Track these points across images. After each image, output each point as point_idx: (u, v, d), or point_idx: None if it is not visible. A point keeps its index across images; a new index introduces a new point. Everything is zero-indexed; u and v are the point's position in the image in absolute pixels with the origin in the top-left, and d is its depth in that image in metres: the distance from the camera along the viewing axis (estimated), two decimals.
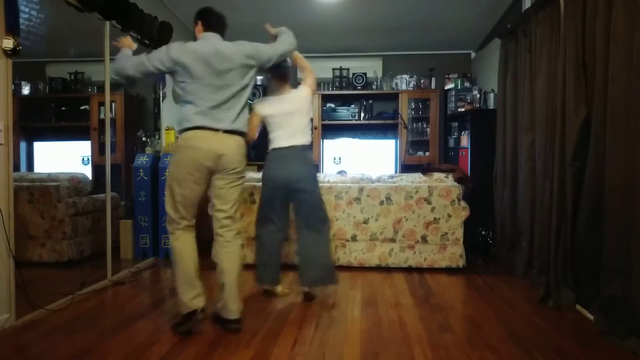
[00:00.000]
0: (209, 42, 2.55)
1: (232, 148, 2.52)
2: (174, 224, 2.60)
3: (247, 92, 2.60)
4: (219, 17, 2.66)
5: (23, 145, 3.89)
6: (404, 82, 6.07)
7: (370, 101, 6.17)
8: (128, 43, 2.72)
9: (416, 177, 3.97)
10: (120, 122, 4.21)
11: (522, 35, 3.73)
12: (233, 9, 4.90)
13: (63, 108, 4.23)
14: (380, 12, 4.90)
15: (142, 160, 4.17)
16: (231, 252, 2.65)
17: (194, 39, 2.66)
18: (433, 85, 6.06)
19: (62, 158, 4.25)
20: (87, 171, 4.09)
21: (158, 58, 2.49)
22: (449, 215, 3.81)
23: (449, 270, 3.82)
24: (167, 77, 4.66)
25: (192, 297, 2.51)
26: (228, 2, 4.74)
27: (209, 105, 2.48)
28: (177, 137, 2.60)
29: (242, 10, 4.95)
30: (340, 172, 4.26)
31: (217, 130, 2.47)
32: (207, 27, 2.61)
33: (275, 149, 3.02)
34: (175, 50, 2.48)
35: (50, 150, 4.20)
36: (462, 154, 5.04)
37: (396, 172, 5.92)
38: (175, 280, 2.56)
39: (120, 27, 3.62)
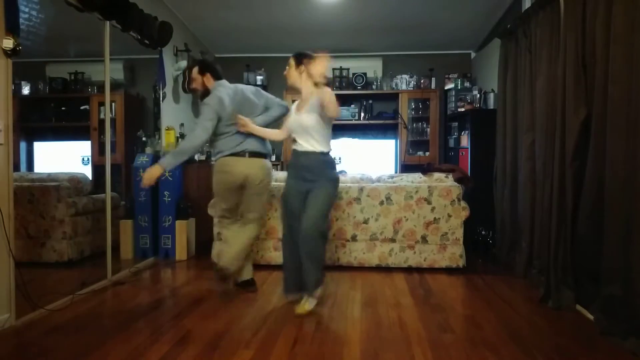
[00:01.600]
0: (229, 88, 3.18)
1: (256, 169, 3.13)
2: (223, 219, 3.33)
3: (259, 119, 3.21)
4: (218, 66, 3.33)
5: (23, 145, 3.88)
6: (404, 82, 6.07)
7: (370, 101, 6.17)
8: None
9: (416, 177, 3.97)
10: (120, 122, 4.20)
11: (522, 35, 3.73)
12: (234, 9, 4.91)
13: (63, 108, 4.22)
14: (380, 12, 4.91)
15: (142, 160, 4.17)
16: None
17: (203, 88, 3.21)
18: (433, 85, 6.06)
19: (62, 158, 4.24)
20: (87, 171, 4.09)
21: (208, 119, 3.02)
22: (449, 215, 3.81)
23: (449, 270, 3.82)
24: (167, 77, 4.69)
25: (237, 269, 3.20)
26: (229, 3, 4.75)
27: (240, 138, 3.10)
28: (214, 162, 3.26)
29: (242, 11, 4.95)
30: (340, 172, 4.26)
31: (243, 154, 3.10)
32: (217, 77, 3.22)
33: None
34: (217, 105, 3.04)
35: (50, 150, 4.20)
36: (462, 154, 5.04)
37: (396, 172, 5.92)
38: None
39: (120, 27, 3.62)
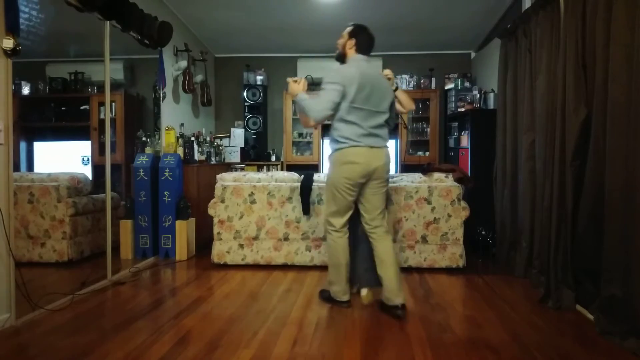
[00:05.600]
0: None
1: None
2: (332, 225, 2.91)
3: None
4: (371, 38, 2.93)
5: (23, 145, 3.88)
6: (404, 82, 6.08)
7: None
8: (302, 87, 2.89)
9: (416, 177, 3.97)
10: (120, 122, 4.20)
11: (522, 35, 3.73)
12: (234, 9, 4.91)
13: (63, 108, 4.22)
14: (381, 12, 4.91)
15: (142, 160, 4.18)
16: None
17: (343, 53, 2.92)
18: (433, 85, 6.06)
19: (62, 158, 4.24)
20: (87, 171, 4.08)
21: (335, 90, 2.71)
22: (449, 215, 3.81)
23: (449, 270, 3.82)
24: (167, 77, 4.69)
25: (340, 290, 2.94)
26: (229, 3, 4.75)
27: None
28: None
29: (242, 11, 4.95)
30: None
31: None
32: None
33: None
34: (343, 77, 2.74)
35: (50, 150, 4.19)
36: (462, 154, 5.04)
37: (396, 172, 5.92)
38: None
39: (120, 27, 3.63)
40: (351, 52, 2.88)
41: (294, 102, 2.93)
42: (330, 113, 2.73)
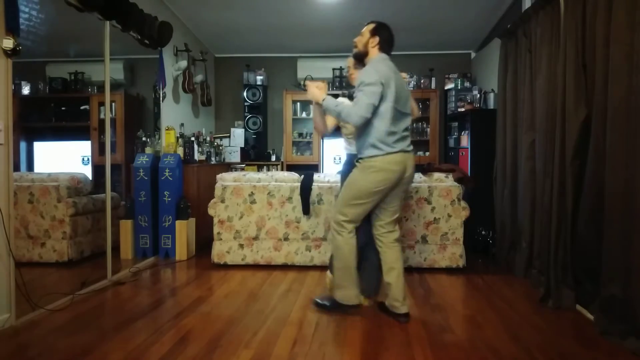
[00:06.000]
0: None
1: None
2: (345, 228, 2.78)
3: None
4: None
5: (23, 145, 3.88)
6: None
7: None
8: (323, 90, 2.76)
9: (416, 177, 3.96)
10: (120, 122, 4.20)
11: (522, 35, 3.73)
12: (234, 9, 4.91)
13: (63, 108, 4.22)
14: (380, 12, 4.89)
15: (142, 160, 4.18)
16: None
17: (364, 52, 2.77)
18: (433, 85, 6.06)
19: (62, 158, 4.24)
20: (87, 171, 4.08)
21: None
22: (449, 215, 3.81)
23: (449, 270, 3.82)
24: (167, 77, 4.69)
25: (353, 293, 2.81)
26: (229, 3, 4.75)
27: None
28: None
29: (242, 11, 4.95)
30: (339, 173, 4.25)
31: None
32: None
33: None
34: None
35: (50, 150, 4.19)
36: (462, 154, 5.04)
37: None
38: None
39: (120, 27, 3.63)
40: (374, 51, 2.73)
41: (319, 105, 2.75)
42: (369, 117, 2.56)
